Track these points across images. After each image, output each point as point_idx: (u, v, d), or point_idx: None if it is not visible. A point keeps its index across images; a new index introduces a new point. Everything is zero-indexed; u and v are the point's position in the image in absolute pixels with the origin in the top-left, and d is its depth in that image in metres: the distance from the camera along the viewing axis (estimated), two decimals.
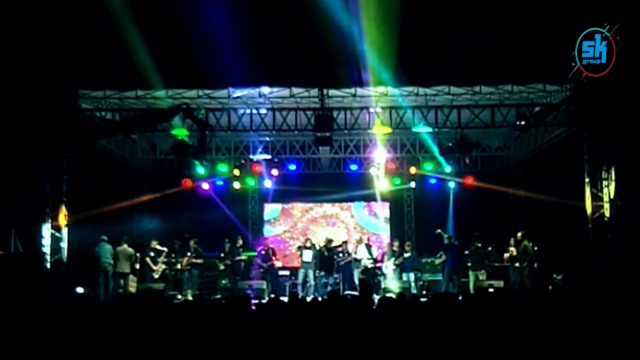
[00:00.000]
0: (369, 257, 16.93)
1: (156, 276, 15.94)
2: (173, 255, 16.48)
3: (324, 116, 14.56)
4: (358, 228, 20.42)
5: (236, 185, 18.56)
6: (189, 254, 16.45)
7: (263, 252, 17.44)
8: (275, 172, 18.03)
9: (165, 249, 16.30)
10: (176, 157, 15.80)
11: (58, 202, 14.23)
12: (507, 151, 18.98)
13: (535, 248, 15.93)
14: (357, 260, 16.95)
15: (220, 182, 18.80)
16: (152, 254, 16.19)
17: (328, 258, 16.81)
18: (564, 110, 14.34)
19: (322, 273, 16.86)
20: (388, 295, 10.32)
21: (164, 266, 16.20)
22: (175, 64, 13.55)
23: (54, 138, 13.71)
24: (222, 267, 16.96)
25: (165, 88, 14.46)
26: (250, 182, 19.03)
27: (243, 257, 17.17)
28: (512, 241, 16.26)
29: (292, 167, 18.34)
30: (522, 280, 15.58)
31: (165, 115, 13.98)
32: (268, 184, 18.92)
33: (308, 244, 17.28)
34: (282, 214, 20.67)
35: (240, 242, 17.41)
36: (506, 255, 16.30)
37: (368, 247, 17.35)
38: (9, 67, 12.44)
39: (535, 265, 15.61)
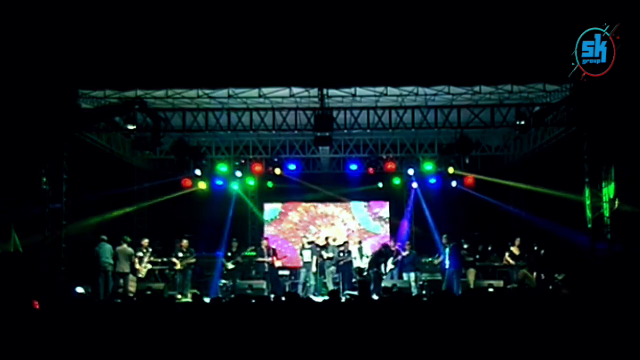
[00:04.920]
0: (363, 257, 16.99)
1: (140, 275, 15.88)
2: (181, 254, 16.42)
3: (324, 116, 14.54)
4: (358, 228, 20.42)
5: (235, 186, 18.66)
6: (181, 254, 16.38)
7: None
8: (278, 171, 18.02)
9: (151, 249, 16.29)
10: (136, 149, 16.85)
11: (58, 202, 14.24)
12: (507, 151, 18.97)
13: (536, 249, 15.91)
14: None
15: (219, 182, 18.87)
16: (140, 253, 16.14)
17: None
18: (564, 110, 14.35)
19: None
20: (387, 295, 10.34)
21: (149, 266, 16.14)
22: (175, 63, 13.55)
23: (51, 135, 13.82)
24: (230, 267, 16.92)
25: (165, 88, 14.48)
26: (250, 182, 19.25)
27: (267, 259, 17.02)
28: (517, 242, 16.26)
29: (292, 167, 18.31)
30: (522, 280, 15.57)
31: (121, 109, 14.41)
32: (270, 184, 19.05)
33: (308, 245, 17.28)
34: (282, 214, 20.68)
35: (265, 243, 17.40)
36: (507, 255, 16.30)
37: (359, 248, 17.43)
38: (9, 67, 12.44)
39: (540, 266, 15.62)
